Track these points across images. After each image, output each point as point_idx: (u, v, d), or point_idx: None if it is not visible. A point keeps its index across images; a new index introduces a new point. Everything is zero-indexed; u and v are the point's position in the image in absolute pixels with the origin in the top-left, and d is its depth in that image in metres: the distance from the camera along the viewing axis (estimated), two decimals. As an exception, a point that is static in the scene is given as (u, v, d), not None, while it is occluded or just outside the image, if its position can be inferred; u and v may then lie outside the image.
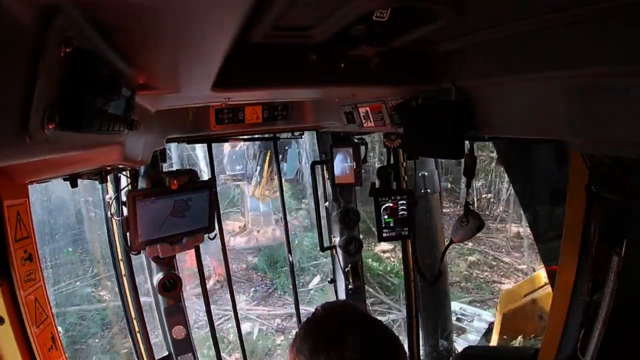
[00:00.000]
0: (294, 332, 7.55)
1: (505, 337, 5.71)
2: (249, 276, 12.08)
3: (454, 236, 2.44)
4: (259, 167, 10.57)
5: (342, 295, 3.95)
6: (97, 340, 7.96)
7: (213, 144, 3.45)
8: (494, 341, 6.03)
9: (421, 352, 4.40)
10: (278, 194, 4.01)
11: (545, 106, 1.49)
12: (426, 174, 5.51)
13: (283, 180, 4.20)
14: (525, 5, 1.21)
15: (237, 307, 3.83)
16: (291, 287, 4.19)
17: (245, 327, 9.83)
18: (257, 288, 11.69)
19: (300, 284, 10.96)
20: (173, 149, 9.55)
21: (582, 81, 1.31)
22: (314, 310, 1.32)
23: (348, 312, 1.30)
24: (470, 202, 2.35)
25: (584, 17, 1.16)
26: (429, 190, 5.47)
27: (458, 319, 7.76)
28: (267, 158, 10.33)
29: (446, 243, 2.81)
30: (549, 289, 5.16)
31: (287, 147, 9.97)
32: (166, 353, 3.19)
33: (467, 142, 2.00)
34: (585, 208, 1.89)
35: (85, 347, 8.05)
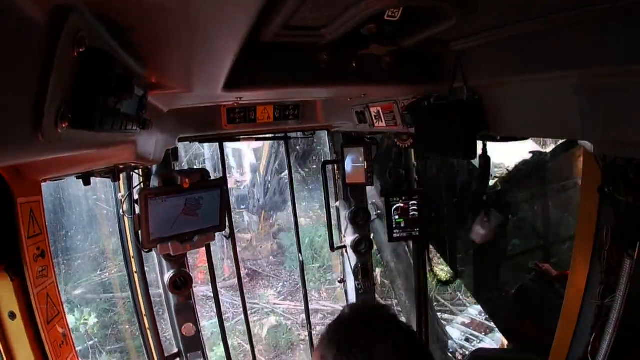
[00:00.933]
0: (318, 328, 7.59)
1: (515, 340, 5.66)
2: (278, 271, 12.03)
3: (476, 238, 2.36)
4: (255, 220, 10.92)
5: (351, 295, 3.94)
6: (127, 327, 8.13)
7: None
8: (503, 344, 5.98)
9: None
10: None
11: (557, 106, 1.47)
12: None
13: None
14: (536, 4, 1.19)
15: (265, 302, 3.85)
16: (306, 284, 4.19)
17: (271, 321, 9.97)
18: (285, 283, 11.64)
19: (327, 281, 10.93)
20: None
21: (595, 81, 1.29)
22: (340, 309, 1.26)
23: (376, 316, 1.20)
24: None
25: (596, 16, 1.14)
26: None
27: (467, 339, 7.44)
28: (263, 214, 10.85)
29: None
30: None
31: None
32: (176, 350, 3.22)
33: (480, 143, 1.98)
34: (597, 210, 1.87)
35: (116, 333, 8.23)
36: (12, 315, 1.34)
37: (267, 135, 3.70)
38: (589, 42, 1.21)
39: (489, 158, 2.06)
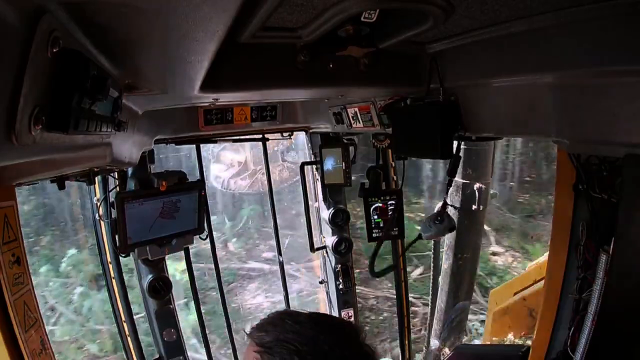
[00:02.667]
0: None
1: (495, 336, 5.75)
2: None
3: (424, 232, 2.45)
4: None
5: (333, 295, 3.96)
6: (214, 293, 8.51)
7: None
8: (485, 340, 6.07)
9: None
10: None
11: (532, 106, 1.51)
12: (482, 187, 5.42)
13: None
14: (512, 8, 1.23)
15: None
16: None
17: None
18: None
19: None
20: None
21: (569, 81, 1.33)
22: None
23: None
24: (449, 203, 2.36)
25: (569, 18, 1.18)
26: (481, 207, 5.36)
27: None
28: None
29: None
30: (538, 286, 5.21)
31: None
32: (157, 356, 3.17)
33: (455, 143, 2.02)
34: (572, 207, 1.92)
35: (204, 298, 8.64)
36: None
37: (244, 137, 3.68)
38: (562, 44, 1.25)
39: (459, 158, 2.10)
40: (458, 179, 5.25)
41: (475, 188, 5.34)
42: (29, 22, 0.68)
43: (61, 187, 1.89)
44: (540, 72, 1.38)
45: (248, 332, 1.13)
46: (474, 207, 5.39)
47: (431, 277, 6.42)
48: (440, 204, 2.50)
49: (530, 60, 1.39)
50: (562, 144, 1.51)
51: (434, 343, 6.28)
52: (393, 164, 3.67)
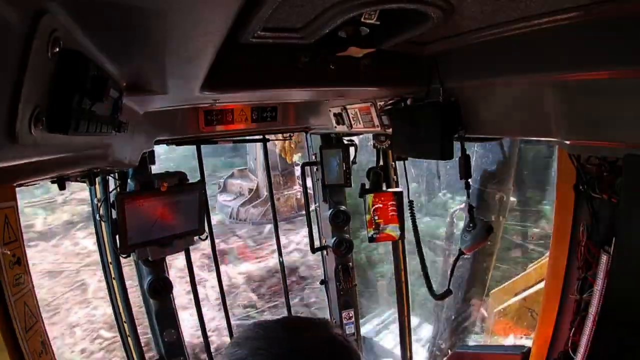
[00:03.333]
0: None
1: (496, 336, 5.76)
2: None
3: (462, 246, 2.22)
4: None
5: (333, 296, 3.96)
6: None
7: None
8: (485, 340, 6.07)
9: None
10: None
11: (534, 107, 1.51)
12: (504, 196, 5.28)
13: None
14: (512, 9, 1.23)
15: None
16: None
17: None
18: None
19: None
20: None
21: (570, 82, 1.33)
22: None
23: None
24: (474, 206, 2.25)
25: (572, 19, 1.18)
26: (500, 218, 5.24)
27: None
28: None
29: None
30: (539, 287, 5.20)
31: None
32: (157, 357, 3.17)
33: (457, 143, 2.01)
34: (573, 207, 1.92)
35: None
36: None
37: (245, 138, 3.68)
38: (562, 44, 1.25)
39: (469, 157, 2.07)
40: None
41: (496, 198, 5.21)
42: (30, 22, 0.68)
43: (61, 187, 1.90)
44: (541, 72, 1.38)
45: (223, 351, 1.06)
46: (493, 217, 5.28)
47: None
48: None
49: (530, 61, 1.39)
50: (563, 144, 1.51)
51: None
52: (393, 164, 3.67)
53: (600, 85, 1.24)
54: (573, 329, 1.98)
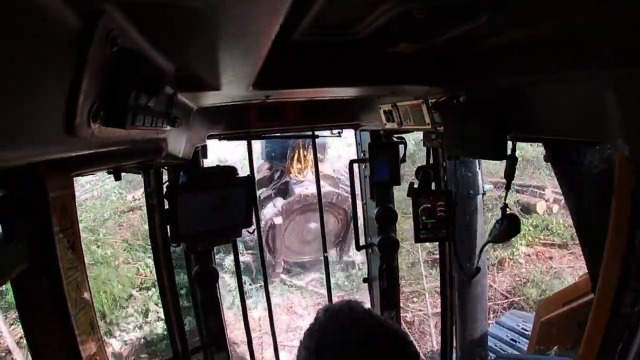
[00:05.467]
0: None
1: (541, 347, 5.52)
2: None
3: (489, 236, 2.46)
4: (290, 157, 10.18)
5: (376, 295, 3.92)
6: None
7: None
8: (529, 350, 5.84)
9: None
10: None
11: (592, 106, 1.41)
12: (470, 174, 5.37)
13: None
14: (569, 1, 1.15)
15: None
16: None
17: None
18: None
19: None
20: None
21: (634, 80, 1.24)
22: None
23: (348, 324, 1.18)
24: (508, 205, 2.30)
25: (631, 10, 1.09)
26: (471, 192, 5.33)
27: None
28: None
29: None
30: (589, 297, 4.94)
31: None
32: (199, 344, 3.27)
33: (509, 143, 1.94)
34: (630, 215, 1.80)
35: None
36: (44, 305, 1.39)
37: (295, 133, 3.71)
38: (626, 37, 1.16)
39: (516, 159, 2.01)
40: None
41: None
42: (89, 23, 0.71)
43: (117, 178, 1.98)
44: (600, 69, 1.29)
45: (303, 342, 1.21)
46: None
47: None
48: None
49: (590, 56, 1.30)
50: (621, 147, 1.41)
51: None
52: (444, 164, 3.57)
53: None
54: (622, 344, 1.87)
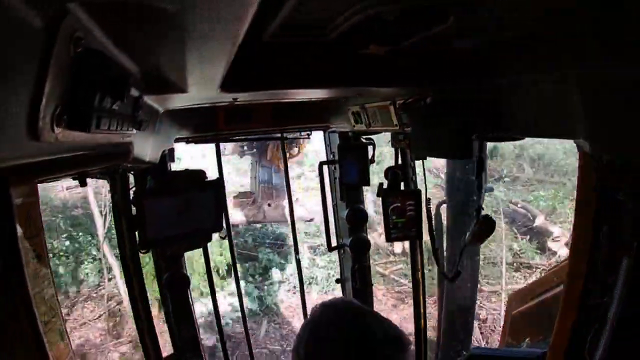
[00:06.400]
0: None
1: (512, 340, 5.66)
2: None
3: (467, 239, 2.47)
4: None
5: (349, 296, 3.93)
6: None
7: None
8: (501, 344, 5.98)
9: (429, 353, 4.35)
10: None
11: (555, 105, 1.47)
12: (470, 178, 5.46)
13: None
14: (536, 7, 1.19)
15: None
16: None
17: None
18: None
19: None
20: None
21: (599, 81, 1.29)
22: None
23: (343, 318, 1.27)
24: (482, 206, 2.33)
25: (602, 14, 1.14)
26: (474, 197, 5.44)
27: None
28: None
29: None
30: (559, 289, 5.09)
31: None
32: (172, 351, 3.21)
33: (476, 143, 1.98)
34: (594, 210, 1.87)
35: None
36: (14, 317, 1.34)
37: (263, 136, 3.70)
38: (588, 38, 1.21)
39: (483, 159, 2.06)
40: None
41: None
42: (52, 23, 0.69)
43: (82, 184, 1.93)
44: (565, 69, 1.34)
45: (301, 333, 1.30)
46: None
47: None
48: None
49: (555, 58, 1.35)
50: (583, 145, 1.47)
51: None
52: (412, 164, 3.63)
53: (625, 84, 1.20)
54: (591, 335, 1.93)
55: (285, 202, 10.11)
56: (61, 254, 10.46)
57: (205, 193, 2.92)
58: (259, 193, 11.32)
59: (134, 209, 2.68)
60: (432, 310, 7.67)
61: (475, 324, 8.51)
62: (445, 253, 5.26)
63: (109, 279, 10.41)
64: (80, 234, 11.03)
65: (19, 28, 0.63)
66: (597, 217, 1.84)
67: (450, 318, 6.22)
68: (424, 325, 4.12)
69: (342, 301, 1.37)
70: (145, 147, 2.01)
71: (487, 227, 2.36)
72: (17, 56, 0.66)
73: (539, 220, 11.90)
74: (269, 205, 11.22)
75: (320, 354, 1.19)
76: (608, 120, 1.29)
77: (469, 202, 5.58)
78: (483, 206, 2.35)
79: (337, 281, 4.13)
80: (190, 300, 3.18)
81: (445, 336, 6.27)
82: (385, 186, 3.44)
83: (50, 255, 9.43)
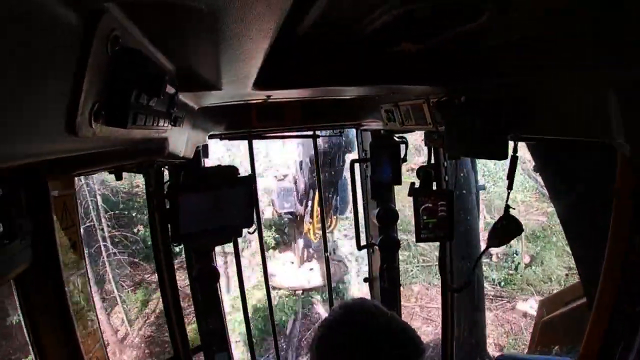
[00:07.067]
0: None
1: (542, 347, 5.51)
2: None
3: (489, 241, 2.37)
4: (309, 206, 10.02)
5: (377, 294, 3.91)
6: None
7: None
8: (529, 350, 5.84)
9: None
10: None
11: (593, 106, 1.41)
12: (463, 174, 5.42)
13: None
14: (572, 2, 1.15)
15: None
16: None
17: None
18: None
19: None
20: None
21: (634, 80, 1.23)
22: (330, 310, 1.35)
23: (353, 319, 1.28)
24: (512, 206, 2.27)
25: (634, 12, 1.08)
26: (464, 192, 5.38)
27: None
28: (316, 197, 9.37)
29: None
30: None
31: (337, 180, 9.26)
32: (200, 344, 3.26)
33: (511, 143, 1.93)
34: (631, 216, 1.79)
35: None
36: (47, 305, 1.39)
37: (295, 133, 3.71)
38: (627, 39, 1.16)
39: (516, 159, 2.00)
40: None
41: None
42: (90, 22, 0.71)
43: (118, 177, 1.98)
44: (602, 70, 1.29)
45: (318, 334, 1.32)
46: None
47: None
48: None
49: (591, 58, 1.30)
50: (624, 148, 1.41)
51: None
52: (445, 163, 3.57)
53: None
54: (622, 345, 1.86)
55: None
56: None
57: (237, 189, 2.96)
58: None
59: (167, 203, 2.73)
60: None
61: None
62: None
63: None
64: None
65: (57, 27, 0.65)
66: (633, 223, 1.76)
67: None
68: (451, 330, 4.06)
69: (360, 302, 1.36)
70: (180, 143, 2.05)
71: (512, 227, 2.27)
72: (56, 54, 0.68)
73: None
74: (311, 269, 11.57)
75: (330, 353, 1.20)
76: None
77: (467, 199, 5.50)
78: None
79: (365, 280, 4.11)
80: (219, 293, 3.23)
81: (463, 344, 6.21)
82: (417, 185, 3.39)
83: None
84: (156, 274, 3.08)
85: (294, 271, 12.26)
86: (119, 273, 12.14)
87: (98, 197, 11.99)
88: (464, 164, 5.26)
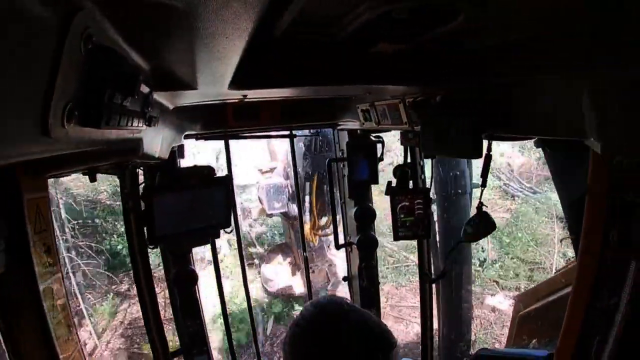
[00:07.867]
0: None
1: (519, 341, 5.63)
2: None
3: (463, 236, 2.45)
4: (307, 206, 9.20)
5: (356, 294, 3.94)
6: None
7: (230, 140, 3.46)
8: (507, 345, 5.95)
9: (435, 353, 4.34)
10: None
11: (569, 106, 1.45)
12: (458, 173, 5.49)
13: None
14: (547, 6, 1.18)
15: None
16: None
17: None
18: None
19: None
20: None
21: (610, 81, 1.28)
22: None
23: (323, 316, 1.31)
24: (485, 204, 2.32)
25: (603, 15, 1.12)
26: (459, 191, 5.46)
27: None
28: (314, 189, 8.66)
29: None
30: (566, 290, 5.04)
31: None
32: (179, 347, 3.22)
33: (485, 142, 1.97)
34: (605, 212, 1.85)
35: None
36: (21, 310, 1.36)
37: (272, 133, 3.70)
38: (602, 41, 1.20)
39: (490, 157, 2.05)
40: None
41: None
42: (64, 20, 0.69)
43: (92, 179, 1.94)
44: (576, 70, 1.33)
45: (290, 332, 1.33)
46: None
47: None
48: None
49: (566, 60, 1.33)
50: (595, 146, 1.45)
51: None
52: (421, 162, 3.61)
53: (637, 85, 1.19)
54: (598, 337, 1.92)
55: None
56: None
57: (215, 189, 2.93)
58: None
59: (143, 204, 2.69)
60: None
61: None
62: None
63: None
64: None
65: (31, 24, 0.63)
66: (607, 219, 1.82)
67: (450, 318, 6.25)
68: (430, 326, 4.11)
69: (330, 300, 1.38)
70: (155, 144, 2.02)
71: (485, 224, 2.35)
72: (28, 52, 0.66)
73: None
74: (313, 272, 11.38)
75: (300, 351, 1.23)
76: (619, 120, 1.28)
77: (458, 197, 5.59)
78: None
79: (344, 279, 4.12)
80: (198, 296, 3.19)
81: (445, 339, 6.30)
82: (393, 184, 3.42)
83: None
84: (123, 284, 3.02)
85: (291, 276, 12.01)
86: (84, 284, 11.83)
87: (61, 206, 11.62)
88: (458, 164, 5.33)
